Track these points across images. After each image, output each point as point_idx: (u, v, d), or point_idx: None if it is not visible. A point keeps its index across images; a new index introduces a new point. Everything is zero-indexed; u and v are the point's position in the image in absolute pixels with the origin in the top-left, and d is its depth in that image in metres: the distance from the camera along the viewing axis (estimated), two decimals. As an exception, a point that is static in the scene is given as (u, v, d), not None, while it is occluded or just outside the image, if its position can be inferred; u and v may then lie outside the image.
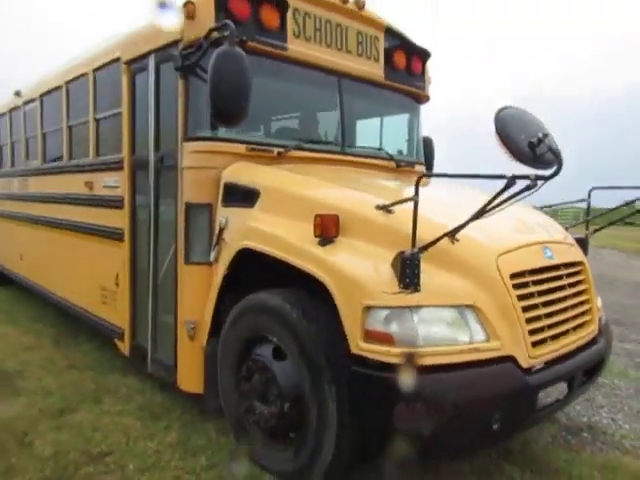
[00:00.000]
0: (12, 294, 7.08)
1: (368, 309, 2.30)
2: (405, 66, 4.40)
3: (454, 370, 2.26)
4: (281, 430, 2.74)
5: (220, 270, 3.18)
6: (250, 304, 2.93)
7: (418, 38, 4.56)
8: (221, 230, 3.24)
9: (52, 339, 5.18)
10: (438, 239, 2.30)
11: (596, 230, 3.67)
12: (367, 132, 4.48)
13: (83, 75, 4.67)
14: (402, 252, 2.29)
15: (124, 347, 4.18)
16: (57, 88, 5.28)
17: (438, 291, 2.35)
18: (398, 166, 4.29)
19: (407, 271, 2.26)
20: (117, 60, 4.09)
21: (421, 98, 4.67)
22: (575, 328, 2.85)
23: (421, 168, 4.66)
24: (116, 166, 4.16)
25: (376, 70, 4.19)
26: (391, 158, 4.26)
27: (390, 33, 4.29)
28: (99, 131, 4.56)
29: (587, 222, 3.70)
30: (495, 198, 2.16)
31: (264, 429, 2.82)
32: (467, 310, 2.37)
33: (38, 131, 5.84)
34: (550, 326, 2.65)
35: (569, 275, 2.94)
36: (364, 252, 2.51)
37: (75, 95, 5.00)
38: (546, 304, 2.67)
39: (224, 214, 3.25)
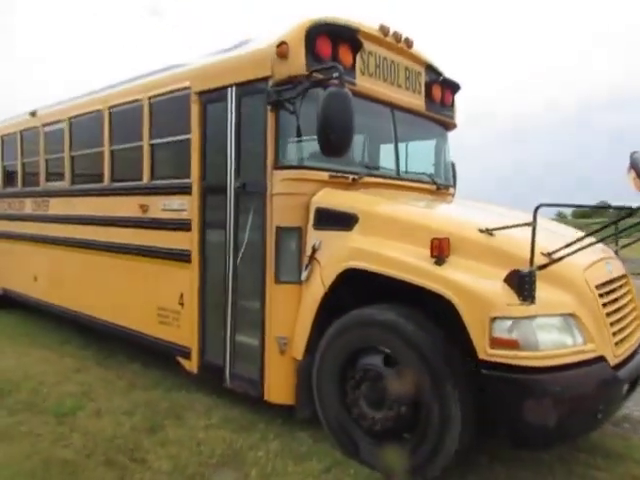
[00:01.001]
0: (21, 318, 6.95)
1: (494, 320, 2.67)
2: (440, 98, 4.87)
3: (568, 370, 2.66)
4: (395, 432, 3.04)
5: (316, 289, 3.45)
6: (357, 319, 3.23)
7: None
8: (314, 251, 3.53)
9: (93, 360, 5.20)
10: (555, 261, 2.72)
11: (624, 246, 4.20)
12: (408, 158, 4.90)
13: (135, 101, 4.81)
14: (518, 270, 2.69)
15: (191, 365, 4.33)
16: (95, 112, 5.36)
17: (548, 302, 2.75)
18: (438, 189, 4.72)
19: (526, 286, 2.65)
20: (183, 90, 4.29)
21: (450, 126, 5.14)
22: (632, 333, 3.33)
23: (452, 190, 5.13)
24: (181, 190, 4.34)
25: (419, 102, 4.63)
26: (434, 182, 4.69)
27: (430, 69, 4.74)
28: (154, 156, 4.71)
29: (617, 238, 4.22)
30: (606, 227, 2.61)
31: (375, 432, 3.11)
32: (569, 318, 2.79)
33: (66, 153, 5.85)
34: (620, 330, 3.12)
35: (621, 286, 3.44)
36: (476, 270, 2.88)
37: (120, 120, 5.11)
38: (616, 311, 3.14)
39: (317, 237, 3.54)
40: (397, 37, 4.32)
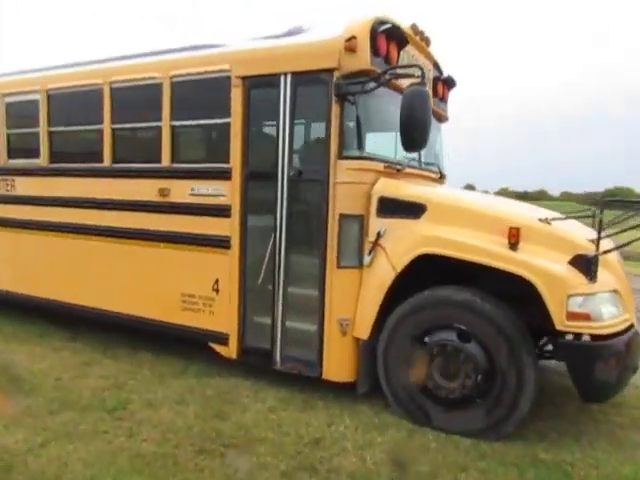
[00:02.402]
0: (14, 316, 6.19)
1: (569, 297, 3.16)
2: (441, 93, 5.29)
3: (621, 335, 3.25)
4: (468, 398, 3.45)
5: (385, 272, 3.70)
6: (431, 299, 3.55)
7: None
8: (378, 238, 3.77)
9: (97, 353, 4.92)
10: (618, 247, 3.27)
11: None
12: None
13: (151, 78, 4.56)
14: (584, 254, 3.21)
15: (229, 350, 4.34)
16: (90, 85, 4.95)
17: (602, 281, 3.30)
18: (440, 177, 5.17)
19: (592, 267, 3.18)
20: (220, 72, 4.19)
21: (444, 119, 5.60)
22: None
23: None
24: (217, 175, 4.27)
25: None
26: (439, 171, 5.13)
27: (436, 66, 5.13)
28: (176, 137, 4.53)
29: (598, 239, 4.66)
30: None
31: (448, 400, 3.49)
32: (615, 293, 3.38)
33: (42, 128, 5.31)
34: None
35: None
36: (543, 254, 3.34)
37: (127, 97, 4.79)
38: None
39: (381, 224, 3.77)
40: (422, 36, 4.63)
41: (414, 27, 4.48)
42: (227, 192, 4.24)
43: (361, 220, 3.82)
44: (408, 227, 3.69)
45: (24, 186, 5.59)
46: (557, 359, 3.72)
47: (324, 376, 3.94)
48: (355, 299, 3.84)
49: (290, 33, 4.04)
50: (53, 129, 5.31)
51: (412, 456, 3.18)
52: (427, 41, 4.79)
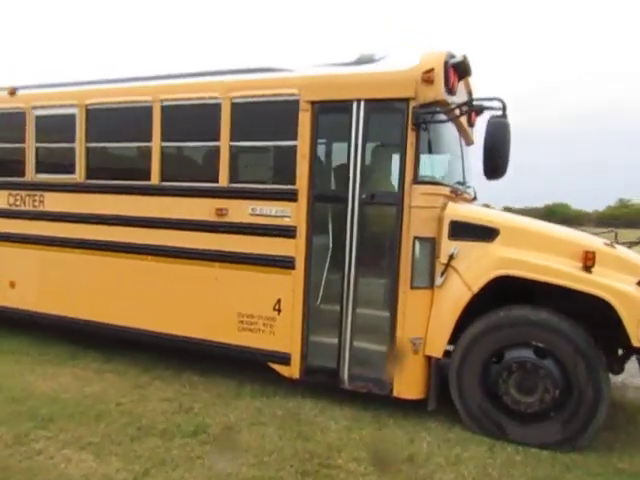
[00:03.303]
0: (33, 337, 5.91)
1: (644, 316, 3.43)
2: (472, 119, 5.57)
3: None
4: (545, 412, 3.65)
5: (459, 293, 3.87)
6: (508, 319, 3.74)
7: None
8: (450, 259, 3.94)
9: (144, 376, 4.81)
10: None
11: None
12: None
13: (209, 98, 4.57)
14: (652, 276, 3.50)
15: (291, 370, 4.37)
16: (137, 103, 4.89)
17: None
18: (474, 199, 5.44)
19: (661, 288, 3.48)
20: (287, 96, 4.27)
21: (471, 143, 5.88)
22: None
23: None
24: (282, 196, 4.33)
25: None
26: (474, 193, 5.38)
27: (469, 94, 5.40)
28: (235, 158, 4.55)
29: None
30: None
31: (524, 414, 3.68)
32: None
33: (79, 143, 5.17)
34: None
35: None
36: (615, 277, 3.61)
37: (178, 115, 4.76)
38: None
39: (452, 246, 3.94)
40: None
41: (465, 58, 4.72)
42: (292, 213, 4.30)
43: (433, 242, 3.98)
44: (482, 250, 3.88)
45: (55, 202, 5.40)
46: (614, 373, 4.00)
47: (395, 394, 4.04)
48: (426, 319, 3.99)
49: (361, 61, 4.17)
50: (91, 145, 5.18)
51: (504, 471, 3.33)
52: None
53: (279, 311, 4.40)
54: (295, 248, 4.31)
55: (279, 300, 4.40)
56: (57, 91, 5.37)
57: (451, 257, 3.93)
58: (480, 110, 4.00)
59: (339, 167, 4.21)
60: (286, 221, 4.34)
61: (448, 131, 4.31)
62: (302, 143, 4.23)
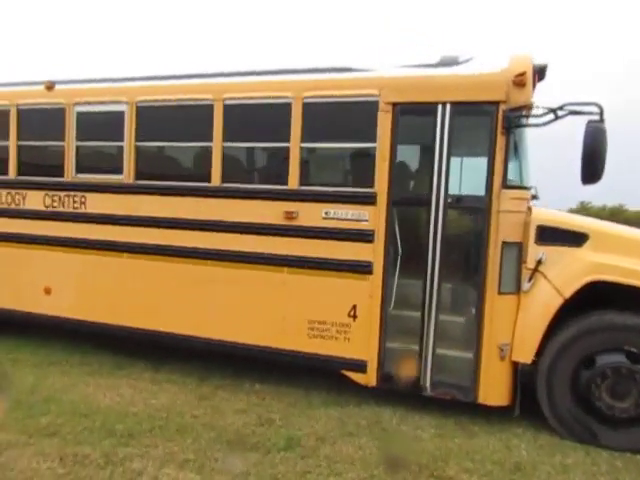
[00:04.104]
0: (31, 342, 5.58)
1: None
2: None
3: None
4: (637, 416, 3.66)
5: (549, 298, 3.85)
6: (601, 324, 3.73)
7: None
8: (537, 264, 3.91)
9: (205, 387, 4.61)
10: None
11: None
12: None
13: (278, 98, 4.42)
14: None
15: (367, 378, 4.26)
16: (196, 101, 4.68)
17: None
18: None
19: None
20: (365, 96, 4.17)
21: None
22: None
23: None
24: (358, 200, 4.22)
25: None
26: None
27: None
28: (305, 159, 4.41)
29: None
30: None
31: (617, 419, 3.68)
32: None
33: (128, 143, 4.92)
34: None
35: None
36: None
37: (243, 115, 4.58)
38: None
39: (540, 251, 3.91)
40: None
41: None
42: (370, 217, 4.20)
43: (520, 247, 3.95)
44: (571, 255, 3.87)
45: (99, 203, 5.12)
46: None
47: (480, 401, 3.99)
48: (512, 324, 3.95)
49: (444, 63, 4.11)
50: (141, 144, 4.94)
51: (612, 477, 3.32)
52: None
53: (354, 317, 4.29)
54: (373, 252, 4.20)
55: (355, 306, 4.28)
56: (104, 87, 5.09)
57: (539, 262, 3.91)
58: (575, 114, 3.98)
59: (421, 170, 4.14)
60: (363, 225, 4.23)
61: (525, 134, 4.30)
62: (382, 145, 4.13)
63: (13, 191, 5.49)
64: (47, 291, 5.37)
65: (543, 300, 3.88)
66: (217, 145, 4.62)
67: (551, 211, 4.11)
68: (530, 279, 3.93)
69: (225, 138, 4.60)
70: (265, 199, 4.52)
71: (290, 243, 4.45)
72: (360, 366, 4.28)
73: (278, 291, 4.51)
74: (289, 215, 4.43)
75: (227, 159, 4.66)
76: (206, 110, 4.64)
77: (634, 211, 21.36)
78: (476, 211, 4.00)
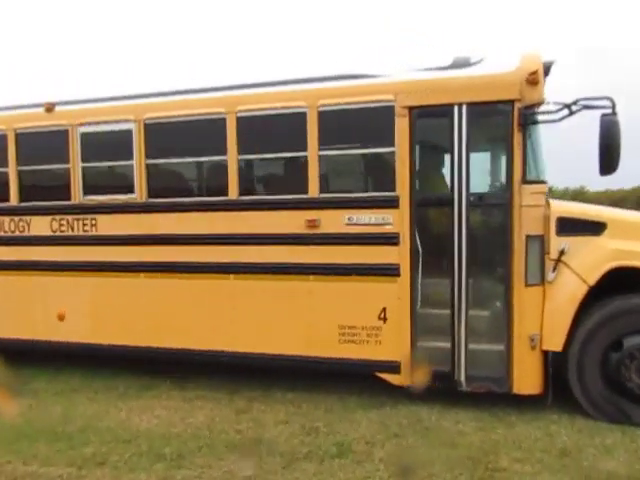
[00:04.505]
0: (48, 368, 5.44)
1: None
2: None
3: None
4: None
5: (574, 287, 3.99)
6: (626, 307, 3.90)
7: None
8: (560, 255, 4.05)
9: (240, 399, 4.60)
10: None
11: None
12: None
13: (291, 107, 4.44)
14: None
15: (402, 378, 4.33)
16: (204, 115, 4.66)
17: None
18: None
19: None
20: (380, 102, 4.23)
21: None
22: None
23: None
24: (380, 204, 4.29)
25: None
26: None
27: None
28: (324, 167, 4.45)
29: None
30: None
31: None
32: None
33: (138, 162, 4.85)
34: None
35: None
36: None
37: (256, 126, 4.59)
38: None
39: (561, 242, 4.06)
40: None
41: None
42: (394, 220, 4.26)
43: (543, 240, 4.08)
44: (591, 244, 4.02)
45: (112, 224, 5.03)
46: None
47: (514, 391, 4.11)
48: (540, 315, 4.08)
49: (457, 65, 4.20)
50: (152, 162, 4.88)
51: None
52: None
53: (385, 320, 4.35)
54: (399, 255, 4.27)
55: (384, 309, 4.34)
56: (108, 106, 5.01)
57: (561, 253, 4.05)
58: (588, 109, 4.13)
59: (441, 170, 4.23)
60: (387, 228, 4.29)
61: (537, 128, 4.42)
62: (400, 149, 4.21)
63: (16, 218, 5.34)
64: (60, 317, 5.25)
65: (569, 289, 4.03)
66: (232, 158, 4.61)
67: (567, 203, 4.27)
68: (554, 270, 4.07)
69: (240, 151, 4.60)
70: (285, 209, 4.54)
71: (314, 251, 4.48)
72: (393, 367, 4.34)
73: (305, 299, 4.53)
74: (311, 223, 4.46)
75: (243, 171, 4.66)
76: (219, 123, 4.62)
77: (594, 192, 22.20)
78: (498, 207, 4.12)
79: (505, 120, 4.01)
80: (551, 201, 4.19)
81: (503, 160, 4.09)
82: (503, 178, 4.08)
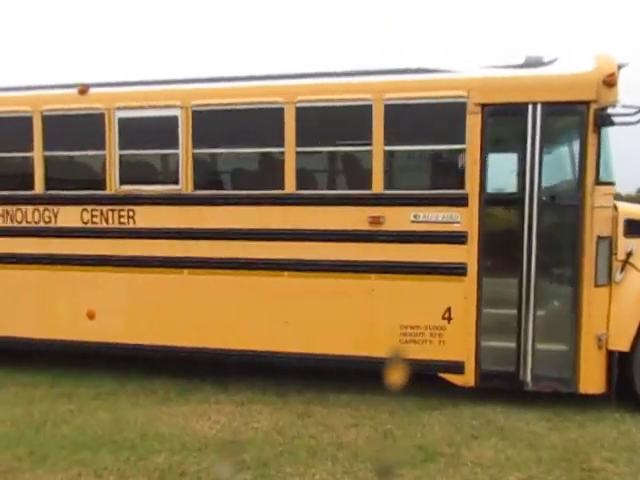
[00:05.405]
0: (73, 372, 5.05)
1: None
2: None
3: None
4: None
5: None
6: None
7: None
8: (628, 256, 4.10)
9: (297, 402, 4.42)
10: None
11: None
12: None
13: (355, 100, 4.29)
14: None
15: (466, 378, 4.28)
16: (260, 104, 4.44)
17: None
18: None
19: None
20: (451, 98, 4.15)
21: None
22: None
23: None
24: (448, 201, 4.21)
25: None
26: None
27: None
28: (389, 163, 4.33)
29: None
30: None
31: None
32: None
33: (184, 150, 4.56)
34: None
35: None
36: None
37: (315, 118, 4.40)
38: None
39: (629, 244, 4.11)
40: None
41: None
42: (462, 218, 4.19)
43: (611, 241, 4.12)
44: (658, 245, 4.09)
45: (153, 217, 4.71)
46: None
47: (580, 390, 4.13)
48: (607, 315, 4.12)
49: (530, 64, 4.17)
50: (199, 151, 4.61)
51: None
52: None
53: (449, 319, 4.28)
54: (466, 254, 4.21)
55: (449, 308, 4.27)
56: (150, 90, 4.69)
57: (629, 254, 4.10)
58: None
59: (512, 169, 4.19)
60: (455, 227, 4.22)
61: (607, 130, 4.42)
62: (472, 146, 4.14)
63: (41, 207, 4.93)
64: (90, 315, 4.89)
65: (636, 290, 4.09)
66: (290, 150, 4.41)
67: (633, 205, 4.32)
68: (622, 270, 4.12)
69: (299, 143, 4.40)
70: (346, 205, 4.39)
71: (376, 249, 4.36)
72: (457, 367, 4.28)
73: (366, 298, 4.40)
74: (375, 220, 4.33)
75: (301, 164, 4.47)
76: (275, 114, 4.41)
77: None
78: (570, 208, 4.12)
79: (580, 120, 4.02)
80: (619, 203, 4.24)
81: (576, 160, 4.09)
82: (575, 178, 4.09)
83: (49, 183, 4.91)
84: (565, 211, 4.18)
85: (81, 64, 5.38)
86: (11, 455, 3.43)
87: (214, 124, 4.61)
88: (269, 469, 3.28)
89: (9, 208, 5.00)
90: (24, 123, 4.86)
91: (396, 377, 1.91)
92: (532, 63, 4.19)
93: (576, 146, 4.08)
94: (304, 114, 4.39)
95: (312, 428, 3.90)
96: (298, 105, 4.39)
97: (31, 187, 4.92)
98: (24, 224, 4.97)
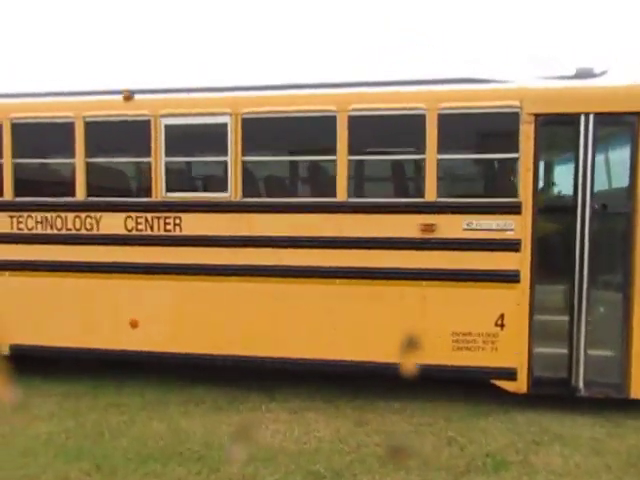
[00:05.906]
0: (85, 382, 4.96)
1: None
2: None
3: None
4: None
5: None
6: None
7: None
8: (677, 264, 4.19)
9: (335, 408, 4.41)
10: None
11: None
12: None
13: (409, 109, 4.32)
14: None
15: (518, 385, 4.32)
16: (314, 112, 4.45)
17: None
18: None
19: None
20: (505, 107, 4.21)
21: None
22: None
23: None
24: (503, 210, 4.26)
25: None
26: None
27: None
28: (440, 171, 4.36)
29: None
30: None
31: None
32: None
33: (233, 157, 4.54)
34: None
35: None
36: None
37: (368, 126, 4.43)
38: None
39: (677, 251, 4.20)
40: None
41: None
42: (516, 226, 4.25)
43: (662, 249, 4.21)
44: None
45: (200, 225, 4.67)
46: None
47: (632, 396, 4.20)
48: (657, 319, 4.20)
49: (582, 75, 4.26)
50: (248, 159, 4.59)
51: None
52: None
53: (502, 326, 4.32)
54: (520, 261, 4.26)
55: (502, 315, 4.31)
56: (198, 97, 4.66)
57: (678, 262, 4.19)
58: None
59: (565, 178, 4.26)
60: (509, 234, 4.27)
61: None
62: (525, 156, 4.20)
63: (83, 214, 4.85)
64: (133, 324, 4.82)
65: (687, 296, 4.17)
66: (342, 158, 4.41)
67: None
68: (672, 278, 4.20)
69: (351, 151, 4.42)
70: (398, 212, 4.41)
71: (428, 256, 4.38)
72: (510, 374, 4.32)
73: (417, 305, 4.42)
74: (427, 228, 4.36)
75: (352, 172, 4.48)
76: (327, 122, 4.42)
77: None
78: (622, 215, 4.20)
79: (631, 130, 4.11)
80: (662, 211, 4.33)
81: (627, 169, 4.17)
82: (626, 187, 4.17)
83: (91, 190, 4.85)
84: (616, 218, 4.25)
85: (121, 71, 5.31)
86: (78, 470, 3.35)
87: (264, 132, 4.60)
88: (342, 479, 3.27)
89: (48, 215, 4.91)
90: (66, 129, 4.79)
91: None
92: (583, 74, 4.28)
93: (627, 155, 4.16)
94: (356, 122, 4.41)
95: (374, 436, 3.89)
96: (351, 114, 4.41)
97: (72, 194, 4.84)
98: (64, 231, 4.89)
